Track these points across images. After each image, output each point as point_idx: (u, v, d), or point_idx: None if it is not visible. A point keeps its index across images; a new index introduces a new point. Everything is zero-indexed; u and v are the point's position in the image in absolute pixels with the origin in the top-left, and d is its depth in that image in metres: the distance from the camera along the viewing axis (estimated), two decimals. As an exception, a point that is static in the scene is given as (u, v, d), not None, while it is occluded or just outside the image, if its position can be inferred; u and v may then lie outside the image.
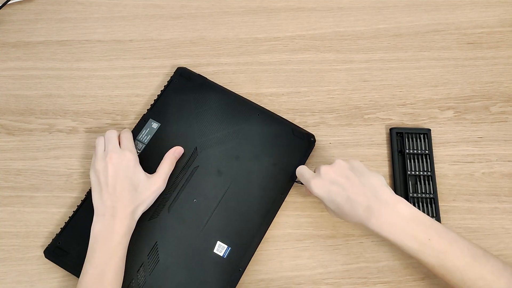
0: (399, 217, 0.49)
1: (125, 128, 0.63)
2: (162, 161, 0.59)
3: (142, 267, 0.56)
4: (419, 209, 0.60)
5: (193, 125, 0.63)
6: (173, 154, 0.59)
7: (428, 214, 0.60)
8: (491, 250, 0.59)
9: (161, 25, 0.74)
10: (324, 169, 0.53)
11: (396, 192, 0.61)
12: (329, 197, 0.52)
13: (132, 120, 0.67)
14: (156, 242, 0.57)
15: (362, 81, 0.70)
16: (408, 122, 0.67)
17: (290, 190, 0.61)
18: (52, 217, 0.61)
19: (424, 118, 0.67)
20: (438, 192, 0.62)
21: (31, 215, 0.61)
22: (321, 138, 0.66)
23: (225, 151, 0.62)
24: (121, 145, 0.58)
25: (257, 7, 0.75)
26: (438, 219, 0.60)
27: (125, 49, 0.72)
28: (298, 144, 0.62)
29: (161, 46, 0.72)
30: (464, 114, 0.67)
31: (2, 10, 0.74)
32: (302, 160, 0.62)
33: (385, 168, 0.64)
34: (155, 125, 0.63)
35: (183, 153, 0.61)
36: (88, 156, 0.64)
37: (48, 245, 0.58)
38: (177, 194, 0.59)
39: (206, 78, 0.67)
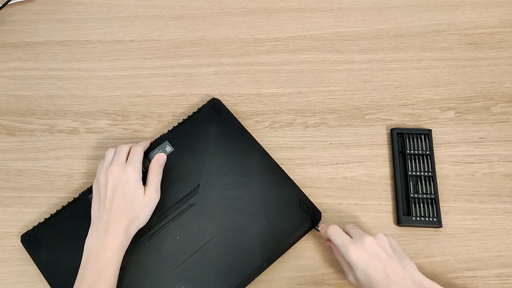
0: None
1: (145, 139, 0.62)
2: (148, 172, 0.57)
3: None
4: (420, 209, 0.61)
5: (205, 161, 0.61)
6: (157, 162, 0.58)
7: (429, 215, 0.60)
8: (492, 251, 0.59)
9: (161, 25, 0.74)
10: (368, 240, 0.51)
11: (397, 192, 0.62)
12: (365, 269, 0.49)
13: (133, 120, 0.67)
14: (125, 266, 0.54)
15: (363, 81, 0.70)
16: (409, 122, 0.67)
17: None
18: (53, 217, 0.61)
19: (425, 119, 0.67)
20: (439, 193, 0.62)
21: (32, 215, 0.61)
22: (322, 139, 0.66)
23: (225, 198, 0.59)
24: (128, 159, 0.57)
25: (258, 8, 0.75)
26: (439, 219, 0.60)
27: (125, 49, 0.72)
28: (301, 217, 0.58)
29: (162, 47, 0.72)
30: (465, 114, 0.67)
31: (3, 11, 0.74)
32: (298, 235, 0.58)
33: (386, 168, 0.64)
34: (168, 148, 0.61)
35: (184, 187, 0.59)
36: (89, 157, 0.64)
37: (27, 231, 0.58)
38: (163, 225, 0.57)
39: (236, 117, 0.64)
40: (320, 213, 0.59)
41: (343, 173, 0.63)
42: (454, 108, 0.68)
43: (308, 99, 0.68)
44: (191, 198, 0.59)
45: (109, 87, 0.69)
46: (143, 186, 0.56)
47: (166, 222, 0.57)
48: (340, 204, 0.62)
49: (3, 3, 0.74)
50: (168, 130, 0.63)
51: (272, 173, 0.61)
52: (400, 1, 0.75)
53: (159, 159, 0.58)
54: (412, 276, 0.50)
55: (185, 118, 0.64)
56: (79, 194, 0.60)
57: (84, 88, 0.69)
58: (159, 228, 0.57)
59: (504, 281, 0.57)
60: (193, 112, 0.65)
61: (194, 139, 0.62)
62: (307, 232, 0.59)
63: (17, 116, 0.67)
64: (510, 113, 0.67)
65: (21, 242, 0.58)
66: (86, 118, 0.67)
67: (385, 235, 0.52)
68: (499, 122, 0.67)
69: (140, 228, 0.55)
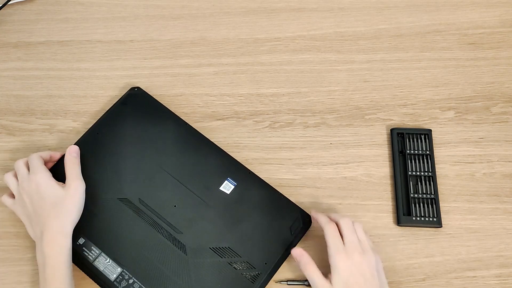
0: None
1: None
2: (65, 166, 0.57)
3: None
4: (420, 209, 0.60)
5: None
6: (70, 155, 0.58)
7: (429, 215, 0.60)
8: (491, 251, 0.59)
9: (161, 25, 0.74)
10: (359, 257, 0.51)
11: (397, 192, 0.62)
12: (348, 279, 0.50)
13: (133, 120, 0.66)
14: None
15: (363, 81, 0.70)
16: (409, 122, 0.67)
17: (287, 191, 0.61)
18: (53, 217, 0.61)
19: (425, 119, 0.67)
20: (439, 193, 0.62)
21: (31, 215, 0.61)
22: (322, 139, 0.66)
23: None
24: (29, 169, 0.56)
25: (258, 8, 0.75)
26: (439, 219, 0.60)
27: (125, 49, 0.72)
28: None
29: (162, 47, 0.72)
30: (465, 114, 0.67)
31: (3, 10, 0.74)
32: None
33: (386, 168, 0.64)
34: (81, 240, 0.57)
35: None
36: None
37: None
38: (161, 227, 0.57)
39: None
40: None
41: (343, 173, 0.63)
42: (454, 108, 0.68)
43: (308, 99, 0.68)
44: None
45: (109, 87, 0.69)
46: (60, 183, 0.55)
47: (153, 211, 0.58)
48: (340, 204, 0.62)
49: (3, 3, 0.74)
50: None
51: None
52: (400, 1, 0.75)
53: (71, 152, 0.58)
54: None
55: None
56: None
57: (84, 88, 0.69)
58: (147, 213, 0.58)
59: (504, 281, 0.57)
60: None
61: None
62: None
63: (17, 116, 0.67)
64: (510, 113, 0.67)
65: None
66: (86, 118, 0.67)
67: (375, 254, 0.52)
68: (499, 122, 0.67)
69: (76, 222, 0.54)
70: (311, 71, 0.70)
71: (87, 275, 0.55)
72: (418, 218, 0.60)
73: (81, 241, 0.56)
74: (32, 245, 0.59)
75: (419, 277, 0.58)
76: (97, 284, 0.55)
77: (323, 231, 0.54)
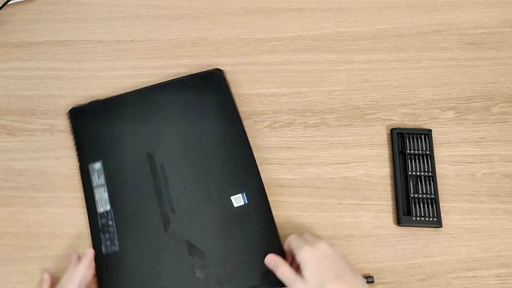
0: None
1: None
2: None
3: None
4: (420, 209, 0.60)
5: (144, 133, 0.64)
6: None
7: (429, 215, 0.60)
8: (491, 251, 0.59)
9: (162, 25, 0.74)
10: (323, 244, 0.51)
11: (397, 192, 0.62)
12: (318, 268, 0.49)
13: (133, 120, 0.66)
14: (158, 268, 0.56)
15: (363, 81, 0.70)
16: (409, 122, 0.67)
17: (287, 191, 0.61)
18: (53, 217, 0.61)
19: (425, 119, 0.67)
20: (439, 193, 0.62)
21: (31, 215, 0.61)
22: (322, 139, 0.66)
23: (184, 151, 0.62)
24: None
25: (258, 8, 0.75)
26: (439, 219, 0.60)
27: (126, 49, 0.72)
28: (209, 87, 0.64)
29: (162, 47, 0.72)
30: (465, 114, 0.67)
31: (3, 10, 0.74)
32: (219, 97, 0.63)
33: (386, 168, 0.64)
34: (98, 165, 0.62)
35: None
36: (89, 156, 0.64)
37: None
38: (165, 195, 0.59)
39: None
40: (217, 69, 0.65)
41: (343, 173, 0.63)
42: (454, 108, 0.68)
43: (308, 99, 0.68)
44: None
45: (110, 87, 0.69)
46: None
47: (168, 190, 0.59)
48: (340, 204, 0.62)
49: (3, 3, 0.74)
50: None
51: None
52: (400, 1, 0.75)
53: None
54: (360, 282, 0.50)
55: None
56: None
57: (85, 88, 0.69)
58: (163, 200, 0.59)
59: (504, 281, 0.57)
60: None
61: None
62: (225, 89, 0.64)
63: (17, 116, 0.67)
64: (510, 113, 0.67)
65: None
66: (86, 118, 0.67)
67: (335, 244, 0.53)
68: (499, 122, 0.67)
69: None
70: (311, 71, 0.70)
71: (84, 197, 0.60)
72: (418, 218, 0.60)
73: (98, 165, 0.61)
74: (32, 244, 0.59)
75: (419, 277, 0.58)
76: (87, 209, 0.60)
77: (295, 255, 0.52)
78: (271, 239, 0.57)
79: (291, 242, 0.54)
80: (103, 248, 0.57)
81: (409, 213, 0.60)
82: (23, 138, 0.66)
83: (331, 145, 0.65)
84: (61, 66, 0.71)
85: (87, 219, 0.59)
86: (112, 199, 0.59)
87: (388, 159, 0.64)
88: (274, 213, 0.60)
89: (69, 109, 0.66)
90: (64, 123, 0.66)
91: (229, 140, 0.63)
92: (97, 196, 0.60)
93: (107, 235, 0.57)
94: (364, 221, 0.61)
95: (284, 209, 0.61)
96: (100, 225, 0.58)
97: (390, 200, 0.62)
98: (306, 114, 0.67)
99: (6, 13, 0.74)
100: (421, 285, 0.57)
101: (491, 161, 0.64)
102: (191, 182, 0.60)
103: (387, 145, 0.65)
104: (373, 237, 0.60)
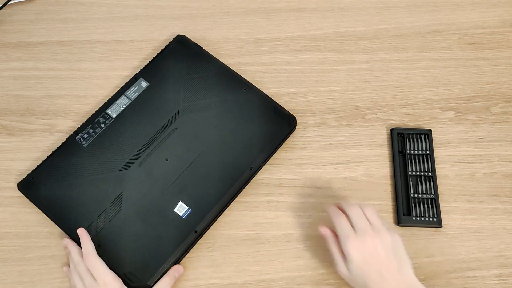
0: None
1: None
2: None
3: (103, 213, 0.58)
4: (420, 209, 0.61)
5: (180, 89, 0.65)
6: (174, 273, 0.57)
7: (429, 215, 0.60)
8: (491, 251, 0.59)
9: (162, 25, 0.74)
10: (371, 239, 0.51)
11: (397, 192, 0.62)
12: (362, 266, 0.50)
13: (133, 120, 0.66)
14: (122, 192, 0.59)
15: (363, 81, 0.70)
16: (409, 122, 0.67)
17: (287, 191, 0.61)
18: (53, 217, 0.61)
19: (425, 119, 0.67)
20: (439, 193, 0.62)
21: (32, 215, 0.61)
22: (322, 139, 0.66)
23: (205, 119, 0.63)
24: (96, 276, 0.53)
25: (258, 8, 0.75)
26: (439, 219, 0.60)
27: (126, 49, 0.72)
28: (278, 124, 0.64)
29: (162, 47, 0.72)
30: (465, 114, 0.67)
31: (3, 10, 0.74)
32: (279, 140, 0.63)
33: (386, 168, 0.64)
34: (144, 84, 0.65)
35: (165, 114, 0.63)
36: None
37: (22, 179, 0.61)
38: (151, 151, 0.61)
39: (202, 48, 0.69)
40: (294, 118, 0.65)
41: (343, 173, 0.63)
42: (454, 108, 0.68)
43: (308, 99, 0.68)
44: (173, 123, 0.63)
45: (109, 87, 0.69)
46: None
47: (154, 148, 0.61)
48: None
49: (3, 3, 0.74)
50: (141, 69, 0.67)
51: (244, 89, 0.66)
52: (400, 1, 0.75)
53: (177, 271, 0.57)
54: (406, 279, 0.50)
55: (154, 56, 0.68)
56: (66, 138, 0.63)
57: (84, 88, 0.69)
58: (148, 154, 0.61)
59: (504, 281, 0.57)
60: (161, 49, 0.69)
61: (167, 72, 0.67)
62: (286, 137, 0.64)
63: (17, 116, 0.67)
64: (510, 113, 0.67)
65: (19, 189, 0.61)
66: (86, 118, 0.67)
67: (390, 234, 0.51)
68: (499, 122, 0.67)
69: None
70: (311, 71, 0.70)
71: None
72: (418, 218, 0.60)
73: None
74: (32, 244, 0.59)
75: (419, 277, 0.57)
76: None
77: (340, 242, 0.52)
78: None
79: (336, 224, 0.53)
80: None
81: (409, 213, 0.60)
82: (23, 139, 0.65)
83: (331, 145, 0.65)
84: (60, 66, 0.71)
85: None
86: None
87: (388, 159, 0.64)
88: (274, 213, 0.61)
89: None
90: (64, 123, 0.66)
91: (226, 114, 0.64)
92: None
93: None
94: (364, 221, 0.61)
95: (284, 209, 0.61)
96: None
97: (390, 200, 0.62)
98: (306, 114, 0.67)
99: (5, 13, 0.74)
100: (421, 285, 0.57)
101: (491, 161, 0.64)
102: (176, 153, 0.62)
103: (387, 145, 0.65)
104: (373, 237, 0.60)
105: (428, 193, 0.62)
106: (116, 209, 0.58)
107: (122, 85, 0.67)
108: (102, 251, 0.56)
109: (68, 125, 0.66)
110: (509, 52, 0.71)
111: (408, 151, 0.64)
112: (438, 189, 0.62)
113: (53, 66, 0.71)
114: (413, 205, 0.61)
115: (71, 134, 0.63)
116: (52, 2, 0.76)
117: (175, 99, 0.65)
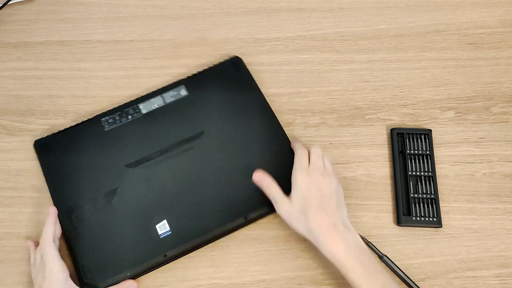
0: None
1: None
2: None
3: (93, 200, 0.59)
4: (420, 209, 0.61)
5: (214, 112, 0.64)
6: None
7: (429, 215, 0.60)
8: (491, 251, 0.59)
9: (161, 25, 0.74)
10: (318, 175, 0.55)
11: (397, 192, 0.62)
12: (305, 193, 0.54)
13: (133, 120, 0.66)
14: (118, 188, 0.59)
15: (363, 81, 0.70)
16: (409, 122, 0.67)
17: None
18: (53, 217, 0.61)
19: (425, 119, 0.67)
20: (439, 193, 0.62)
21: (32, 215, 0.61)
22: (322, 139, 0.66)
23: (224, 150, 0.61)
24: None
25: (258, 8, 0.75)
26: (439, 219, 0.60)
27: (125, 49, 0.72)
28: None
29: (162, 47, 0.72)
30: (465, 114, 0.67)
31: (3, 10, 0.74)
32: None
33: (386, 168, 0.64)
34: (183, 92, 0.64)
35: (190, 129, 0.62)
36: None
37: (41, 138, 0.63)
38: (161, 159, 0.61)
39: (253, 78, 0.67)
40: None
41: (343, 173, 0.63)
42: (454, 108, 0.68)
43: (308, 99, 0.68)
44: (193, 141, 0.62)
45: (109, 87, 0.69)
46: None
47: (165, 157, 0.61)
48: (340, 204, 0.62)
49: (3, 3, 0.74)
50: (187, 76, 0.66)
51: (276, 139, 0.63)
52: (400, 1, 0.75)
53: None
54: (340, 216, 0.54)
55: (205, 68, 0.67)
56: (93, 116, 0.64)
57: (84, 88, 0.69)
58: (157, 161, 0.61)
59: (504, 281, 0.57)
60: (214, 64, 0.68)
61: (209, 89, 0.65)
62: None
63: (17, 116, 0.67)
64: (510, 113, 0.67)
65: (34, 146, 0.63)
66: (86, 118, 0.67)
67: (337, 181, 0.56)
68: (499, 122, 0.67)
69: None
70: (311, 71, 0.70)
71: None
72: (418, 218, 0.60)
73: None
74: (32, 245, 0.59)
75: (419, 277, 0.58)
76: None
77: (292, 171, 0.56)
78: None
79: (296, 154, 0.57)
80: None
81: (409, 213, 0.60)
82: (23, 138, 0.65)
83: (331, 145, 0.65)
84: (60, 66, 0.71)
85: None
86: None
87: (388, 159, 0.64)
88: (274, 213, 0.60)
89: None
90: (64, 123, 0.66)
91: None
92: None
93: None
94: (364, 221, 0.61)
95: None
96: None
97: (390, 200, 0.62)
98: (306, 114, 0.67)
99: (5, 13, 0.74)
100: (421, 285, 0.57)
101: (491, 161, 0.64)
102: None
103: (387, 145, 0.65)
104: (373, 237, 0.60)
105: (428, 193, 0.62)
106: (106, 202, 0.58)
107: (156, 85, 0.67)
108: (74, 235, 0.57)
109: (68, 125, 0.66)
110: (509, 52, 0.71)
111: (408, 151, 0.64)
112: (438, 189, 0.62)
113: (53, 66, 0.71)
114: (413, 205, 0.61)
115: (99, 114, 0.64)
116: (52, 2, 0.76)
117: (205, 118, 0.63)
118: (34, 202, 0.62)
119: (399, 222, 0.60)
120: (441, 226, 0.60)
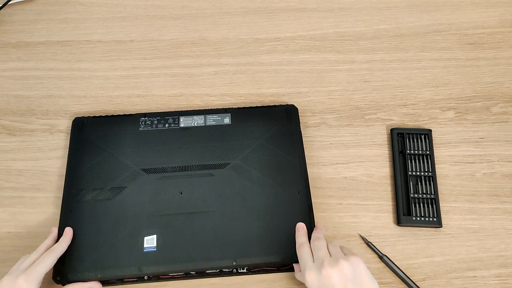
0: None
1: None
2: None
3: (99, 190, 0.59)
4: (420, 209, 0.61)
5: (248, 149, 0.62)
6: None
7: (429, 215, 0.60)
8: (491, 251, 0.59)
9: (161, 25, 0.74)
10: (326, 271, 0.49)
11: (397, 192, 0.62)
12: None
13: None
14: (126, 187, 0.59)
15: (363, 81, 0.70)
16: (409, 122, 0.67)
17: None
18: (53, 217, 0.61)
19: (425, 119, 0.67)
20: (439, 193, 0.62)
21: (32, 215, 0.61)
22: (322, 139, 0.66)
23: (241, 187, 0.59)
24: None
25: (258, 8, 0.75)
26: (439, 219, 0.60)
27: (125, 49, 0.72)
28: (292, 257, 0.56)
29: (162, 47, 0.72)
30: (465, 114, 0.67)
31: (3, 11, 0.74)
32: (276, 266, 0.57)
33: (386, 168, 0.64)
34: (227, 120, 0.64)
35: (217, 156, 0.61)
36: (89, 157, 0.64)
37: (81, 116, 0.65)
38: (177, 176, 0.60)
39: (301, 131, 0.64)
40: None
41: (343, 173, 0.63)
42: (454, 108, 0.68)
43: (308, 99, 0.68)
44: (215, 169, 0.61)
45: (109, 87, 0.69)
46: None
47: (182, 176, 0.60)
48: (340, 204, 0.62)
49: (3, 3, 0.74)
50: (238, 107, 0.65)
51: (298, 192, 0.60)
52: (400, 1, 0.75)
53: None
54: None
55: (258, 105, 0.66)
56: (135, 113, 0.65)
57: (84, 88, 0.69)
58: (173, 176, 0.60)
59: (504, 281, 0.57)
60: (268, 105, 0.66)
61: (252, 126, 0.64)
62: (283, 269, 0.57)
63: (17, 116, 0.67)
64: (510, 113, 0.67)
65: (73, 121, 0.65)
66: (86, 118, 0.67)
67: (350, 263, 0.49)
68: (499, 122, 0.67)
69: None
70: (311, 71, 0.70)
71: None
72: (418, 218, 0.60)
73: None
74: (32, 244, 0.59)
75: (419, 277, 0.58)
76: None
77: (301, 269, 0.52)
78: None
79: (299, 250, 0.53)
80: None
81: (409, 213, 0.60)
82: (24, 139, 0.65)
83: (331, 145, 0.65)
84: (60, 66, 0.71)
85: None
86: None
87: (388, 159, 0.64)
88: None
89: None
90: (64, 123, 0.66)
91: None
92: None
93: None
94: (364, 221, 0.61)
95: (284, 209, 0.61)
96: None
97: (390, 200, 0.62)
98: (306, 114, 0.67)
99: (5, 13, 0.74)
100: (421, 285, 0.57)
101: (491, 161, 0.64)
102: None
103: (387, 145, 0.65)
104: (373, 237, 0.60)
105: (428, 193, 0.62)
106: (110, 196, 0.59)
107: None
108: (67, 217, 0.58)
109: (68, 125, 0.66)
110: (509, 52, 0.71)
111: (408, 151, 0.64)
112: (438, 189, 0.62)
113: (53, 66, 0.71)
114: (413, 205, 0.61)
115: (140, 113, 0.65)
116: (52, 2, 0.76)
117: (236, 150, 0.62)
118: (34, 202, 0.62)
119: (399, 222, 0.60)
120: (441, 226, 0.60)
